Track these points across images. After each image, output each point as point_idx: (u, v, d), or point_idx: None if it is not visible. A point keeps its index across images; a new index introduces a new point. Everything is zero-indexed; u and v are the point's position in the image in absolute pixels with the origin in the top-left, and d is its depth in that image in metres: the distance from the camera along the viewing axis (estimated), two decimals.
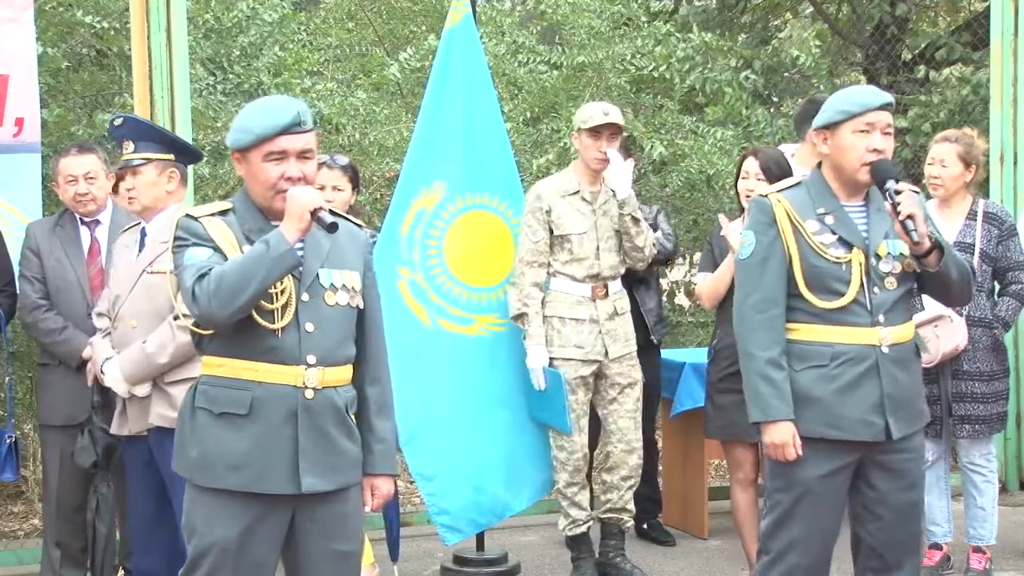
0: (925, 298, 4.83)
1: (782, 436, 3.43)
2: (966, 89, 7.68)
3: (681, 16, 9.49)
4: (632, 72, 7.90)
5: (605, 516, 5.12)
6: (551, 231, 4.94)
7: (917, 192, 3.47)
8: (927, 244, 3.37)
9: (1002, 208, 5.14)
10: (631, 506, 5.12)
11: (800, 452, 3.43)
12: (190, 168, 5.44)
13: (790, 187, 3.56)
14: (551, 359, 4.91)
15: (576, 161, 5.10)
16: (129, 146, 4.25)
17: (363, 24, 9.54)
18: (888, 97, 3.47)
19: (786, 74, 8.48)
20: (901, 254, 3.46)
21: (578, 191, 4.98)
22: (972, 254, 4.87)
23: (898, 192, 3.33)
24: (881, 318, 3.42)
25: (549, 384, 4.90)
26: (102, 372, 4.19)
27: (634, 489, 5.11)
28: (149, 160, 4.22)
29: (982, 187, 6.01)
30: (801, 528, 3.46)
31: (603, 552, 5.15)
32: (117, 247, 4.38)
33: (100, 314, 4.37)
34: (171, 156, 4.26)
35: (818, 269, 3.42)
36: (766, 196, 3.52)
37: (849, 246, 3.43)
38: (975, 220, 4.93)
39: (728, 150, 7.28)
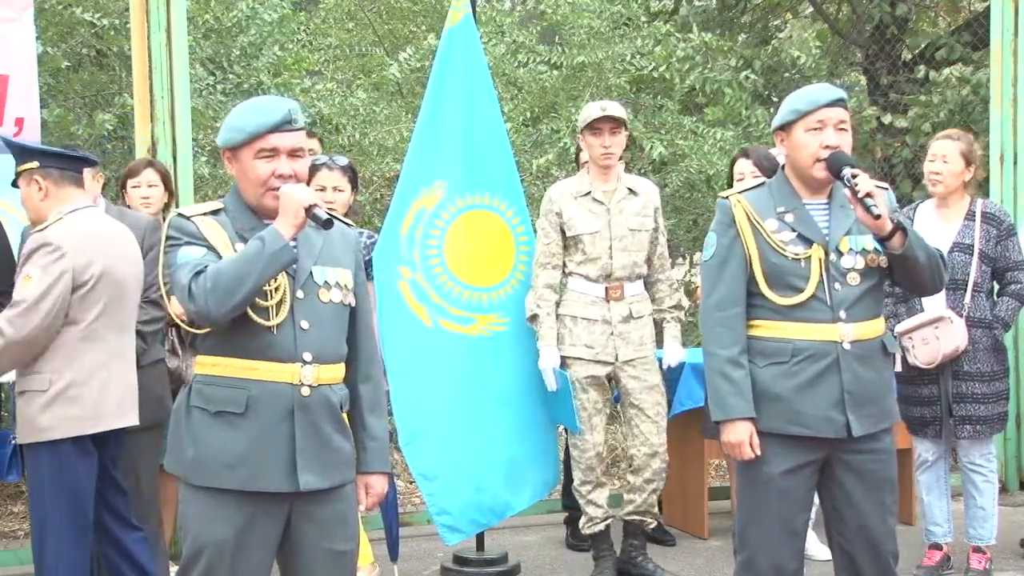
0: (925, 300, 4.86)
1: (738, 435, 3.43)
2: (966, 89, 7.69)
3: (681, 16, 9.50)
4: (632, 72, 7.91)
5: (628, 517, 5.13)
6: (564, 233, 4.96)
7: (886, 188, 3.46)
8: (888, 224, 3.36)
9: (1000, 208, 5.13)
10: (654, 509, 5.12)
11: (757, 451, 3.43)
12: (189, 168, 5.48)
13: (752, 188, 3.60)
14: (563, 357, 4.93)
15: (588, 162, 5.09)
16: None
17: (363, 24, 9.57)
18: (839, 93, 3.47)
19: (786, 74, 8.48)
20: (864, 249, 3.46)
21: (589, 192, 4.99)
22: (971, 254, 4.87)
23: (855, 176, 3.34)
24: (842, 314, 3.41)
25: (559, 385, 4.91)
26: None
27: (658, 492, 5.10)
28: (19, 175, 4.12)
29: (982, 187, 6.01)
30: (769, 526, 3.46)
31: (624, 551, 5.16)
32: None
33: None
34: (33, 164, 4.08)
35: (777, 267, 3.43)
36: (726, 197, 3.56)
37: (809, 242, 3.44)
38: (974, 220, 4.92)
39: (728, 150, 7.30)
